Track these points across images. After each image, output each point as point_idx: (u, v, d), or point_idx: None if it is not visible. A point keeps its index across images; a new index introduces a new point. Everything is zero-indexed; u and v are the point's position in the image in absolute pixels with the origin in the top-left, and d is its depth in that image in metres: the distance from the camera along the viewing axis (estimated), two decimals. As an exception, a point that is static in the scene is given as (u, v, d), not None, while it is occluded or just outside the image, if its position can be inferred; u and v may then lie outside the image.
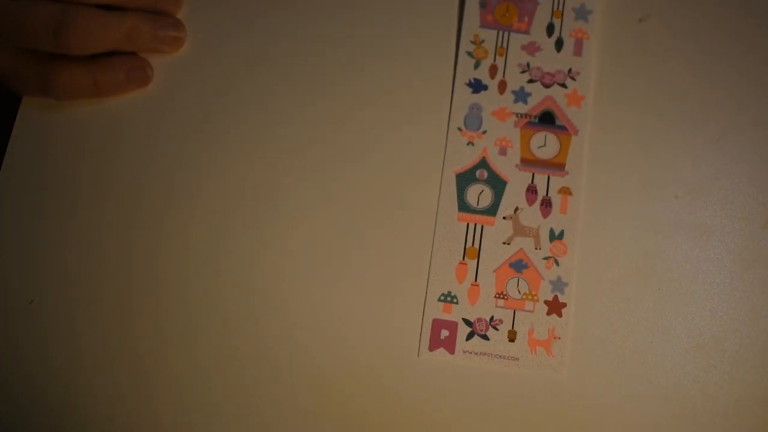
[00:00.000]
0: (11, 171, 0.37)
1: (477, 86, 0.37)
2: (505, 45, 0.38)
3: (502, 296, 0.35)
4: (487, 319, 0.34)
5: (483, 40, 0.38)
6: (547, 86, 0.37)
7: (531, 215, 0.36)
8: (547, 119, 0.37)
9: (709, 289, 0.35)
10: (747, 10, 0.38)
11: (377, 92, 0.38)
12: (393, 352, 0.34)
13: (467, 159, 0.37)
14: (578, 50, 0.38)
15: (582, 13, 0.38)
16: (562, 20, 0.38)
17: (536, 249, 0.35)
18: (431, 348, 0.34)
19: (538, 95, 0.37)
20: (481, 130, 0.37)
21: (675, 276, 0.35)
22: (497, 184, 0.36)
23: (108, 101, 0.38)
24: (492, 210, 0.36)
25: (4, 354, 0.35)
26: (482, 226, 0.36)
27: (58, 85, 0.36)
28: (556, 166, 0.36)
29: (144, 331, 0.35)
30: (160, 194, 0.36)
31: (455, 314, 0.35)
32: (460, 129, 0.37)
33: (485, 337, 0.34)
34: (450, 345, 0.34)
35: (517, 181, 0.36)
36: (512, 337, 0.34)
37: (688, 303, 0.34)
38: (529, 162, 0.36)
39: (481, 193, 0.36)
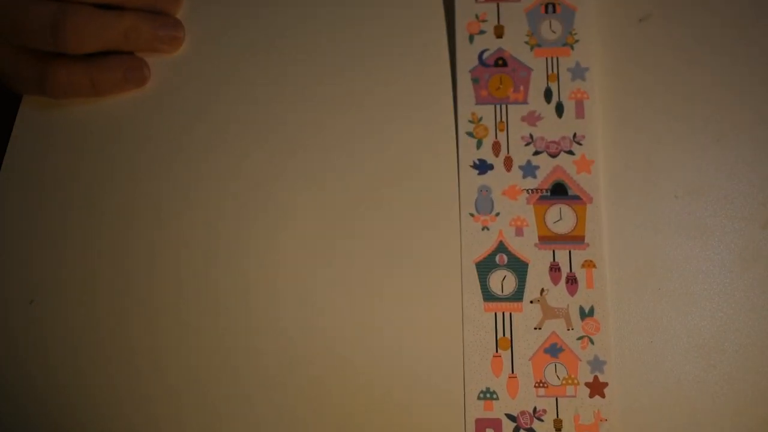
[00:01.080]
0: (11, 171, 0.37)
1: (483, 167, 0.36)
2: (504, 119, 0.37)
3: (542, 385, 0.34)
4: (531, 411, 0.34)
5: (481, 118, 0.37)
6: (553, 156, 0.36)
7: (558, 295, 0.35)
8: (559, 191, 0.36)
9: (709, 289, 0.34)
10: (748, 9, 0.37)
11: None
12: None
13: (484, 245, 0.36)
14: (580, 112, 0.37)
15: (578, 72, 0.37)
16: (558, 83, 0.37)
17: (569, 330, 0.34)
18: (478, 450, 0.33)
19: (546, 167, 0.36)
20: (494, 212, 0.36)
21: (675, 276, 0.34)
22: (519, 267, 0.35)
23: (106, 101, 0.38)
24: (518, 295, 0.35)
25: (4, 354, 0.35)
26: (510, 314, 0.35)
27: (56, 84, 0.36)
28: (576, 239, 0.35)
29: (143, 331, 0.35)
30: (159, 193, 0.37)
31: (497, 411, 0.34)
32: (472, 215, 0.36)
33: (531, 431, 0.33)
34: (497, 444, 0.33)
35: (538, 261, 0.35)
36: (558, 426, 0.33)
37: (688, 303, 0.34)
38: (547, 239, 0.35)
39: (504, 279, 0.35)
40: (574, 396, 0.34)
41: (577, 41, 0.37)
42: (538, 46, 0.38)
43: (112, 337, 0.35)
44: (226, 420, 0.34)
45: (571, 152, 0.36)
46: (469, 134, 0.37)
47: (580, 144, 0.36)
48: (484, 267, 0.35)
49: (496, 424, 0.34)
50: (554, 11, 0.38)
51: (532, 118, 0.37)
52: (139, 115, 0.38)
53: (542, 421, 0.34)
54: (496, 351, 0.34)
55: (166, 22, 0.38)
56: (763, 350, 0.33)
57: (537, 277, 0.35)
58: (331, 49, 0.39)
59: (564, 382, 0.34)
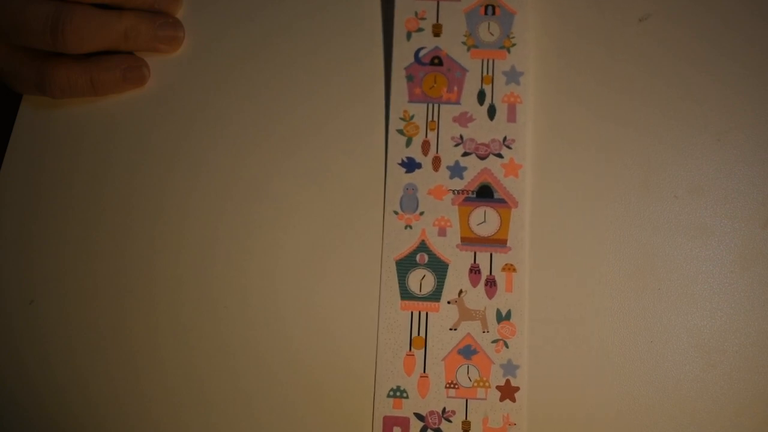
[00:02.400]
0: (11, 171, 0.38)
1: (410, 165, 0.36)
2: (436, 118, 0.37)
3: (453, 386, 0.34)
4: (439, 411, 0.34)
5: (413, 116, 0.37)
6: (482, 158, 0.36)
7: (476, 297, 0.35)
8: (485, 193, 0.36)
9: (709, 289, 0.34)
10: (748, 7, 0.37)
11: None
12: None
13: (406, 243, 0.35)
14: (512, 116, 0.37)
15: (513, 76, 0.37)
16: (492, 86, 0.37)
17: (484, 332, 0.34)
18: (384, 448, 0.33)
19: (474, 169, 0.36)
20: (418, 211, 0.36)
21: (675, 276, 0.34)
22: (439, 268, 0.35)
23: (106, 100, 0.38)
24: (435, 295, 0.35)
25: (4, 354, 0.35)
26: (427, 314, 0.35)
27: (55, 84, 0.36)
28: (498, 242, 0.35)
29: (142, 331, 0.35)
30: (159, 193, 0.37)
31: (406, 409, 0.34)
32: (396, 212, 0.36)
33: (438, 431, 0.33)
34: (403, 443, 0.33)
35: (459, 262, 0.35)
36: (466, 427, 0.33)
37: (688, 303, 0.34)
38: (469, 241, 0.35)
39: (423, 279, 0.35)
40: (485, 399, 0.34)
41: (514, 45, 0.37)
42: (475, 47, 0.37)
43: (111, 337, 0.35)
44: (226, 420, 0.34)
45: (500, 155, 0.36)
46: (400, 132, 0.37)
47: (510, 148, 0.36)
48: (404, 265, 0.35)
49: (404, 422, 0.34)
50: (494, 13, 0.38)
51: (463, 119, 0.37)
52: (138, 115, 0.38)
53: (450, 422, 0.33)
54: (410, 350, 0.34)
55: (165, 21, 0.38)
56: (763, 350, 0.33)
57: (456, 278, 0.35)
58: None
59: (475, 384, 0.34)
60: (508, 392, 0.34)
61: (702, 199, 0.35)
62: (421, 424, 0.34)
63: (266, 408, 0.34)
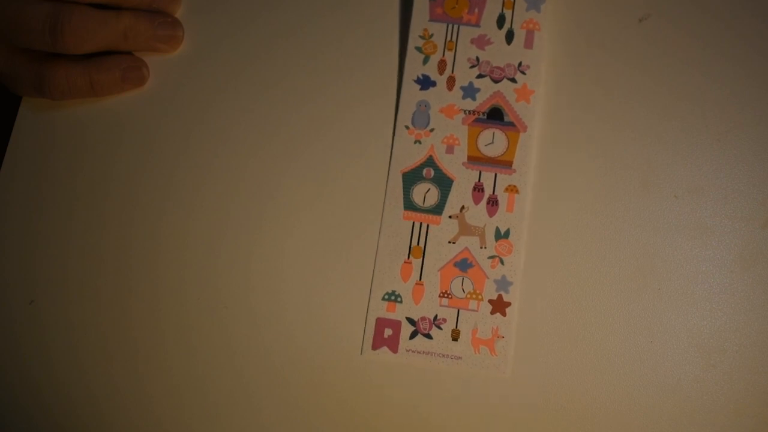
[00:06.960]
0: (11, 171, 0.38)
1: (425, 82, 0.37)
2: (454, 39, 0.37)
3: (446, 295, 0.35)
4: (431, 318, 0.35)
5: (432, 35, 0.37)
6: (496, 81, 0.37)
7: (477, 214, 0.36)
8: (495, 115, 0.36)
9: (709, 289, 0.35)
10: (748, 7, 0.37)
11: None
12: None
13: (414, 157, 0.36)
14: (529, 43, 0.37)
15: (534, 3, 0.37)
16: (513, 11, 0.37)
17: (482, 248, 0.35)
18: (374, 346, 0.35)
19: (487, 91, 0.37)
20: (429, 127, 0.37)
21: (675, 276, 0.35)
22: (444, 183, 0.36)
23: (106, 101, 0.38)
24: (438, 209, 0.36)
25: (4, 354, 0.36)
26: (428, 225, 0.36)
27: (54, 85, 0.36)
28: (504, 163, 0.36)
29: (144, 331, 0.36)
30: (159, 193, 0.37)
31: (399, 313, 0.35)
32: (407, 127, 0.37)
33: (429, 336, 0.35)
34: (393, 344, 0.35)
35: (463, 180, 0.36)
36: (456, 336, 0.35)
37: (688, 303, 0.34)
38: (476, 160, 0.36)
39: (427, 192, 0.36)
40: (476, 310, 0.35)
41: (538, -29, 0.38)
42: (500, -30, 0.38)
43: (113, 337, 0.36)
44: (229, 419, 0.35)
45: (513, 80, 0.37)
46: (418, 49, 0.37)
47: (524, 73, 0.37)
48: (411, 178, 0.36)
49: (395, 325, 0.35)
50: (521, -61, 0.38)
51: (481, 42, 0.37)
52: (139, 115, 0.38)
53: (441, 329, 0.35)
54: (408, 257, 0.35)
55: (164, 21, 0.38)
56: (763, 350, 0.33)
57: (460, 194, 0.36)
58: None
59: (468, 296, 0.35)
60: (499, 306, 0.35)
61: (702, 199, 0.35)
62: (413, 328, 0.35)
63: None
